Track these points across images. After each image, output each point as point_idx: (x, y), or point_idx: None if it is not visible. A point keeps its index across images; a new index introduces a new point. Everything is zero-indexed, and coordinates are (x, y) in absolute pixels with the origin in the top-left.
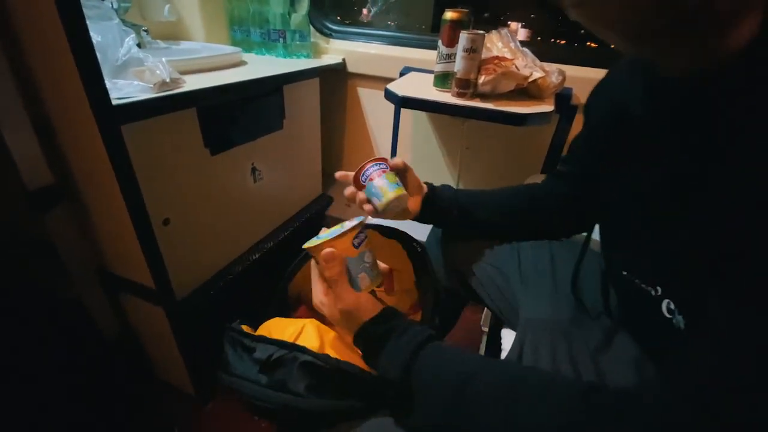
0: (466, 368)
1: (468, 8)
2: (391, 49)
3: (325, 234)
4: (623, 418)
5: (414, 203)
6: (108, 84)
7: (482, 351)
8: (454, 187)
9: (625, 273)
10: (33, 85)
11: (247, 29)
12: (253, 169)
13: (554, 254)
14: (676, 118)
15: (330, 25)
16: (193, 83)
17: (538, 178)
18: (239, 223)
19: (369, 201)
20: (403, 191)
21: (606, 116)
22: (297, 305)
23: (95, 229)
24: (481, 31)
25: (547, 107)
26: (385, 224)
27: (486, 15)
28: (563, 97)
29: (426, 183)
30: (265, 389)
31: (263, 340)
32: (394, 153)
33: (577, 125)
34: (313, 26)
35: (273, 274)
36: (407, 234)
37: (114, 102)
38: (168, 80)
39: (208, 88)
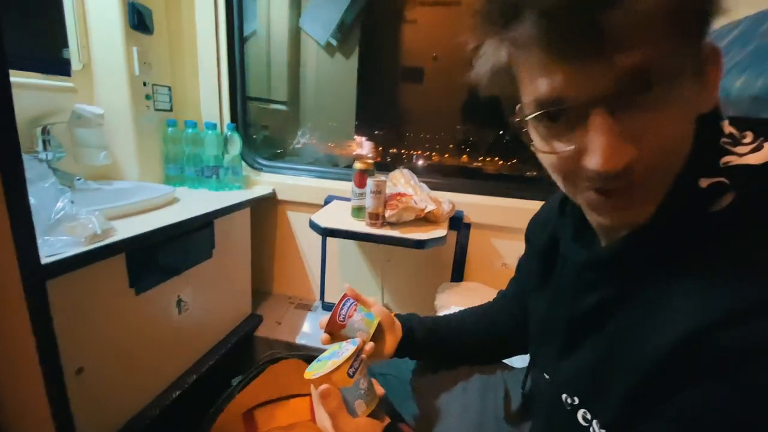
0: None
1: (372, 160)
2: (316, 180)
3: (325, 356)
4: None
5: (390, 346)
6: (39, 242)
7: None
8: (380, 294)
9: (546, 377)
10: None
11: (181, 166)
12: (179, 301)
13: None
14: (592, 266)
15: (260, 161)
16: (125, 229)
17: (449, 286)
18: (160, 360)
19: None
20: (378, 318)
21: (543, 246)
22: None
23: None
24: (383, 178)
25: (442, 232)
26: (306, 352)
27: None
28: (457, 220)
29: (397, 317)
30: None
31: None
32: (323, 268)
33: (474, 238)
34: (245, 162)
35: (197, 409)
36: None
37: (43, 261)
38: (99, 232)
39: (138, 236)
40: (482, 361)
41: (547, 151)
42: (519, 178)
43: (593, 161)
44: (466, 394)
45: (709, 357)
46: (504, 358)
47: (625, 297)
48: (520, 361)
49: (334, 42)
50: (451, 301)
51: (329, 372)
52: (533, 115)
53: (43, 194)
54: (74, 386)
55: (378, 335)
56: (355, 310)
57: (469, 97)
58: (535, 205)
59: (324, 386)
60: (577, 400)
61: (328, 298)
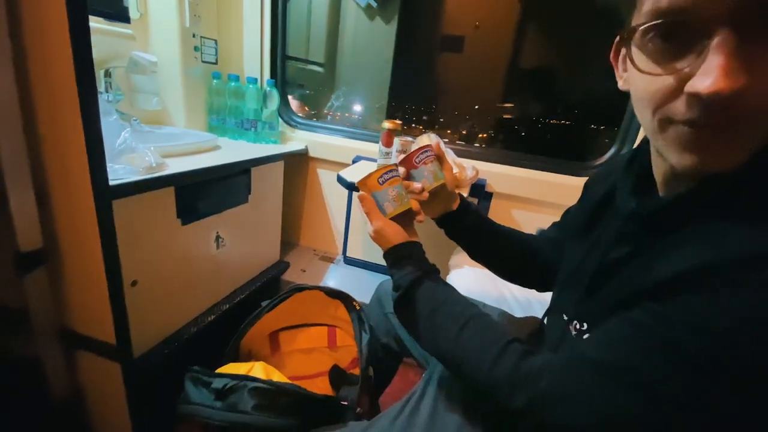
0: (443, 297)
1: (401, 120)
2: (346, 141)
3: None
4: (516, 364)
5: (436, 212)
6: (107, 167)
7: None
8: None
9: (565, 317)
10: (41, 161)
11: (223, 118)
12: (217, 237)
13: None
14: (646, 219)
15: (296, 119)
16: (174, 166)
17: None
18: (199, 286)
19: (413, 180)
20: (444, 180)
21: (599, 198)
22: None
23: (66, 290)
24: (410, 138)
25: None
26: (330, 286)
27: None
28: (479, 187)
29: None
30: (219, 411)
31: (219, 375)
32: (347, 224)
33: (495, 207)
34: (281, 118)
35: (226, 334)
36: (348, 295)
37: (111, 183)
38: (154, 165)
39: (186, 172)
40: (505, 272)
41: (651, 72)
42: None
43: (702, 81)
44: None
45: (709, 282)
46: (522, 282)
47: (658, 245)
48: (519, 310)
49: (374, 4)
50: (465, 262)
51: (364, 177)
52: (649, 24)
53: (107, 127)
54: (129, 296)
55: (435, 197)
56: (431, 161)
57: (511, 71)
58: (561, 179)
59: (360, 192)
60: (586, 326)
61: (350, 253)
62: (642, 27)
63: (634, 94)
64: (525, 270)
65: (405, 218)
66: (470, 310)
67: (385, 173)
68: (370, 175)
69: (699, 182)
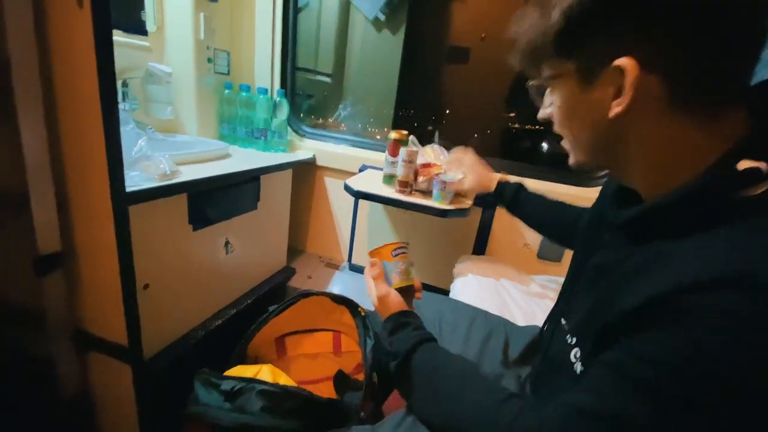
0: (441, 361)
1: (407, 131)
2: (352, 150)
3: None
4: (511, 425)
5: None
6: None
7: None
8: None
9: (563, 321)
10: (62, 168)
11: (234, 127)
12: (227, 243)
13: (472, 321)
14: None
15: (304, 128)
16: (186, 174)
17: (469, 258)
18: (208, 290)
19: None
20: (410, 283)
21: (606, 201)
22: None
23: (82, 291)
24: (415, 148)
25: (467, 204)
26: (334, 293)
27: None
28: (483, 196)
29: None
30: (228, 412)
31: (229, 377)
32: (353, 232)
33: (500, 216)
34: (290, 127)
35: (233, 338)
36: (354, 301)
37: (127, 189)
38: (168, 172)
39: (198, 179)
40: (551, 231)
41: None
42: (553, 162)
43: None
44: (471, 332)
45: (666, 313)
46: (558, 240)
47: (628, 259)
48: (522, 319)
49: (382, 17)
50: (469, 270)
51: (379, 247)
52: None
53: (124, 136)
54: (141, 299)
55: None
56: (407, 259)
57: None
58: (566, 189)
59: (373, 259)
60: (574, 340)
61: (355, 260)
62: None
63: None
64: (565, 229)
65: (407, 293)
66: (468, 370)
67: (399, 248)
68: (384, 246)
69: (651, 202)
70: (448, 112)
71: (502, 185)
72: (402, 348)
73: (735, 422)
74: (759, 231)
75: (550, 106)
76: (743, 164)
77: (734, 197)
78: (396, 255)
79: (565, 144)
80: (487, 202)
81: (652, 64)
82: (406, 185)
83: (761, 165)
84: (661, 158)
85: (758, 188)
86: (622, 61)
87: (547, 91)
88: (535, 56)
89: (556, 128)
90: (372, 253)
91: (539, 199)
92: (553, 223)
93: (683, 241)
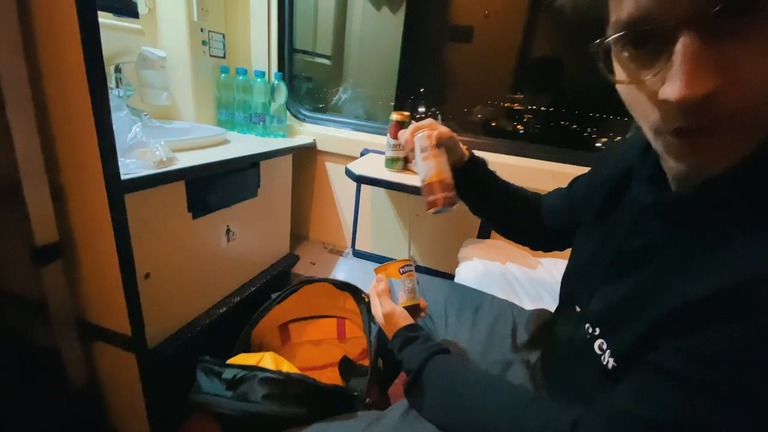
0: (458, 370)
1: (408, 111)
2: (353, 133)
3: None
4: (544, 426)
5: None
6: (118, 161)
7: None
8: (407, 246)
9: (578, 309)
10: (55, 157)
11: (232, 112)
12: (228, 231)
13: (479, 306)
14: (662, 213)
15: (304, 112)
16: (184, 160)
17: (473, 242)
18: (211, 279)
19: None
20: (417, 302)
21: (614, 181)
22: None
23: (82, 282)
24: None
25: None
26: (337, 279)
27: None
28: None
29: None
30: (230, 401)
31: (230, 365)
32: (356, 217)
33: None
34: (290, 112)
35: (238, 326)
36: (357, 287)
37: (122, 177)
38: (165, 159)
39: (196, 166)
40: (505, 231)
41: (625, 81)
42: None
43: (670, 89)
44: (478, 317)
45: (736, 308)
46: (519, 240)
47: (671, 245)
48: (529, 303)
49: None
50: (474, 254)
51: (386, 263)
52: (615, 36)
53: (119, 122)
54: (143, 288)
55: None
56: (414, 277)
57: (521, 61)
58: (569, 169)
59: (380, 275)
60: (598, 331)
61: (359, 246)
62: (608, 40)
63: (624, 100)
64: (525, 230)
65: (413, 312)
66: (488, 378)
67: (406, 265)
68: (391, 263)
69: (712, 181)
70: (450, 92)
71: (473, 155)
72: (413, 364)
73: None
74: None
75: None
76: None
77: None
78: (403, 273)
79: (725, 132)
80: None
81: None
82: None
83: None
84: None
85: None
86: None
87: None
88: None
89: (736, 101)
90: (378, 270)
91: (503, 180)
92: (516, 201)
93: (748, 225)
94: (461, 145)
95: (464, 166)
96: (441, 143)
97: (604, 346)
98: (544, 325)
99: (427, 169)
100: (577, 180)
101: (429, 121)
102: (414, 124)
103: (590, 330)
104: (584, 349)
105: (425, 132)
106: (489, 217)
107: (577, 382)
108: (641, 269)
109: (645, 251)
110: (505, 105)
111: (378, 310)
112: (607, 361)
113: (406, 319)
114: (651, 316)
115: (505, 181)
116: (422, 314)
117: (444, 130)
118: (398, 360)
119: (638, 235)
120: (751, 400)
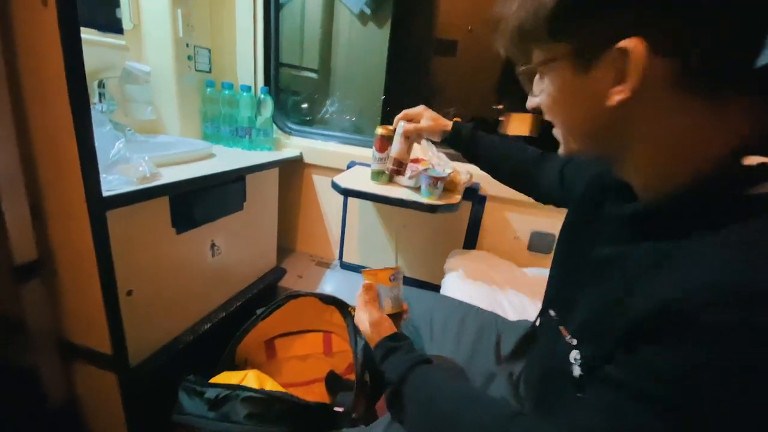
0: (440, 382)
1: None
2: (340, 146)
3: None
4: None
5: (447, 125)
6: (100, 178)
7: None
8: (394, 257)
9: (552, 314)
10: (35, 174)
11: (217, 126)
12: (213, 245)
13: (464, 318)
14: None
15: (290, 125)
16: (168, 175)
17: (460, 252)
18: (195, 294)
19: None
20: (402, 311)
21: (598, 176)
22: (244, 368)
23: (63, 300)
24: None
25: (456, 198)
26: (326, 292)
27: None
28: (472, 191)
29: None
30: (212, 421)
31: (212, 385)
32: (343, 229)
33: (489, 210)
34: (276, 125)
35: (223, 342)
36: (343, 301)
37: (104, 194)
38: (148, 175)
39: (180, 181)
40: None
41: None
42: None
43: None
44: (462, 330)
45: (675, 325)
46: (519, 190)
47: (631, 256)
48: (513, 314)
49: (367, 10)
50: (460, 265)
51: (378, 269)
52: None
53: (101, 138)
54: (125, 305)
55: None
56: (400, 286)
57: (505, 74)
58: None
59: (368, 282)
60: (575, 342)
61: (346, 258)
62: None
63: None
64: (526, 189)
65: (396, 319)
66: (469, 391)
67: (396, 273)
68: (382, 270)
69: (669, 195)
70: (436, 104)
71: (457, 125)
72: (395, 375)
73: None
74: None
75: (540, 94)
76: (749, 160)
77: (744, 194)
78: (393, 280)
79: (557, 133)
80: (454, 143)
81: (659, 45)
82: (400, 164)
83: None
84: (662, 148)
85: (766, 186)
86: (627, 43)
87: (536, 78)
88: (525, 39)
89: (547, 116)
90: (367, 274)
91: (496, 139)
92: (510, 162)
93: (692, 240)
94: (444, 120)
95: (447, 136)
96: (407, 135)
97: (578, 357)
98: (527, 336)
99: (394, 147)
100: (568, 164)
101: (420, 108)
102: (405, 111)
103: (569, 341)
104: (563, 360)
105: (404, 123)
106: (494, 176)
107: (557, 393)
108: (611, 279)
109: (612, 261)
110: (492, 117)
111: (364, 319)
112: (577, 372)
113: (391, 329)
114: (609, 329)
115: (502, 142)
116: (405, 316)
117: (410, 127)
118: (380, 371)
119: (609, 243)
120: (686, 413)
